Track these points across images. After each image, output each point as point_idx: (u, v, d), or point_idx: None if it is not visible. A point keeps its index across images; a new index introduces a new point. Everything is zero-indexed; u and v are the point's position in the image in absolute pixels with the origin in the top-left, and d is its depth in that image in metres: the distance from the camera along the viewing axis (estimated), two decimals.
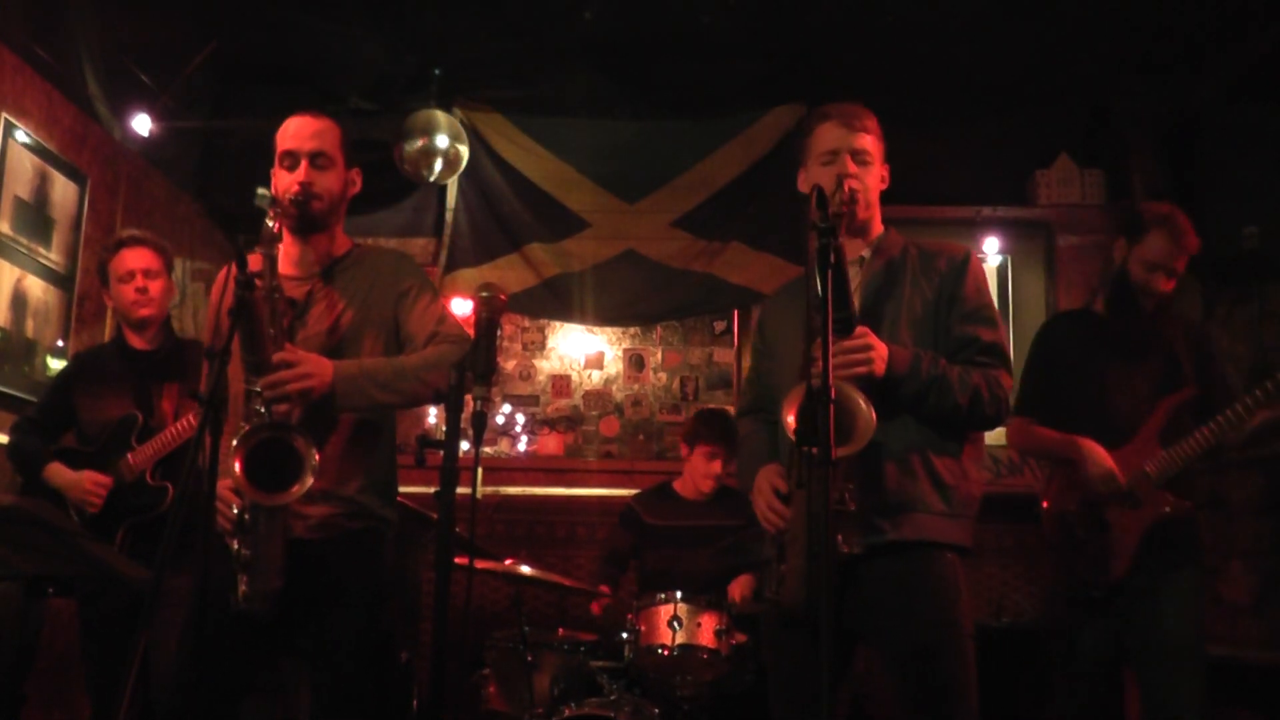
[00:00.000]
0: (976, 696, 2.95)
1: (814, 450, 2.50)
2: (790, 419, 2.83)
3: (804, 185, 3.27)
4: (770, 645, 3.24)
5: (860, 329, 2.91)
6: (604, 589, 5.36)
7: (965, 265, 3.19)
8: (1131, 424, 4.08)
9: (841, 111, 3.22)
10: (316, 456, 3.03)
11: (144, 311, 4.43)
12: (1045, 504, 4.28)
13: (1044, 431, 4.24)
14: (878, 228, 3.28)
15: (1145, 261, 4.17)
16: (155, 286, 4.45)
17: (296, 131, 3.37)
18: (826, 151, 3.20)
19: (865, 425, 2.79)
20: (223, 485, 3.04)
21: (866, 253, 3.23)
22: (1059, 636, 4.20)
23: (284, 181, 3.33)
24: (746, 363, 6.93)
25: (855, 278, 3.19)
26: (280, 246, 3.17)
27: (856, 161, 3.17)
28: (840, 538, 2.84)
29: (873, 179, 3.22)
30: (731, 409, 7.08)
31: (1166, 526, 4.01)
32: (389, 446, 3.48)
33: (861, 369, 2.87)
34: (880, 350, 2.91)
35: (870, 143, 3.20)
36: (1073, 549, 4.11)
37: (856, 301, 3.12)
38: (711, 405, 7.22)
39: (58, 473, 4.31)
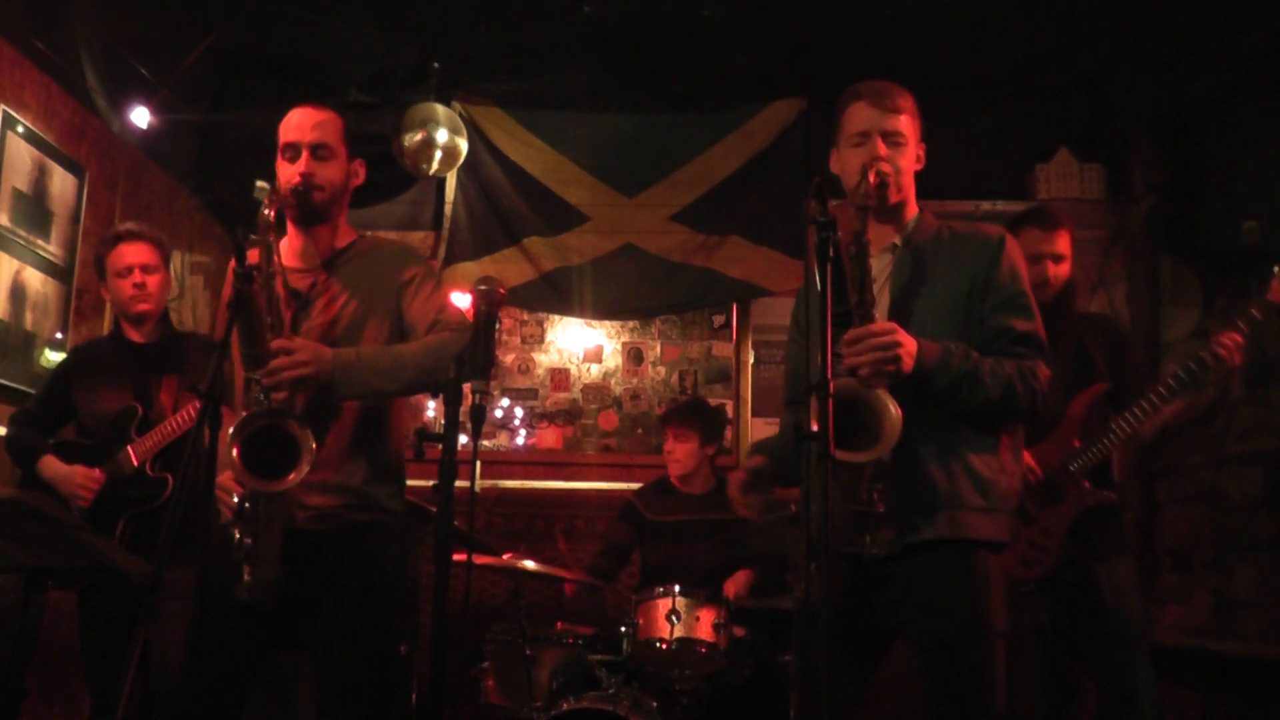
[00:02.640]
0: (1003, 692, 2.92)
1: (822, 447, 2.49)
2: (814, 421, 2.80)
3: (835, 165, 3.22)
4: (797, 642, 3.20)
5: (889, 324, 2.87)
6: (568, 581, 5.35)
7: (1000, 251, 3.12)
8: (1047, 418, 4.07)
9: (873, 90, 3.14)
10: (314, 443, 3.04)
11: (142, 307, 4.43)
12: None
13: None
14: (912, 210, 3.21)
15: (1025, 255, 4.18)
16: (153, 281, 4.44)
17: (298, 123, 3.38)
18: (857, 133, 3.12)
19: (891, 429, 2.75)
20: (224, 476, 3.05)
21: (898, 240, 3.16)
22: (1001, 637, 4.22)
23: (286, 173, 3.34)
24: (745, 357, 6.95)
25: (887, 266, 3.14)
26: (276, 235, 3.17)
27: (888, 143, 3.09)
28: (868, 538, 2.81)
29: (906, 160, 3.14)
30: (729, 403, 7.08)
31: (1092, 517, 4.04)
32: (394, 437, 3.48)
33: (890, 367, 2.82)
34: (909, 346, 2.85)
35: (904, 123, 3.13)
36: None
37: (887, 292, 3.09)
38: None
39: (49, 466, 4.32)
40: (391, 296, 3.40)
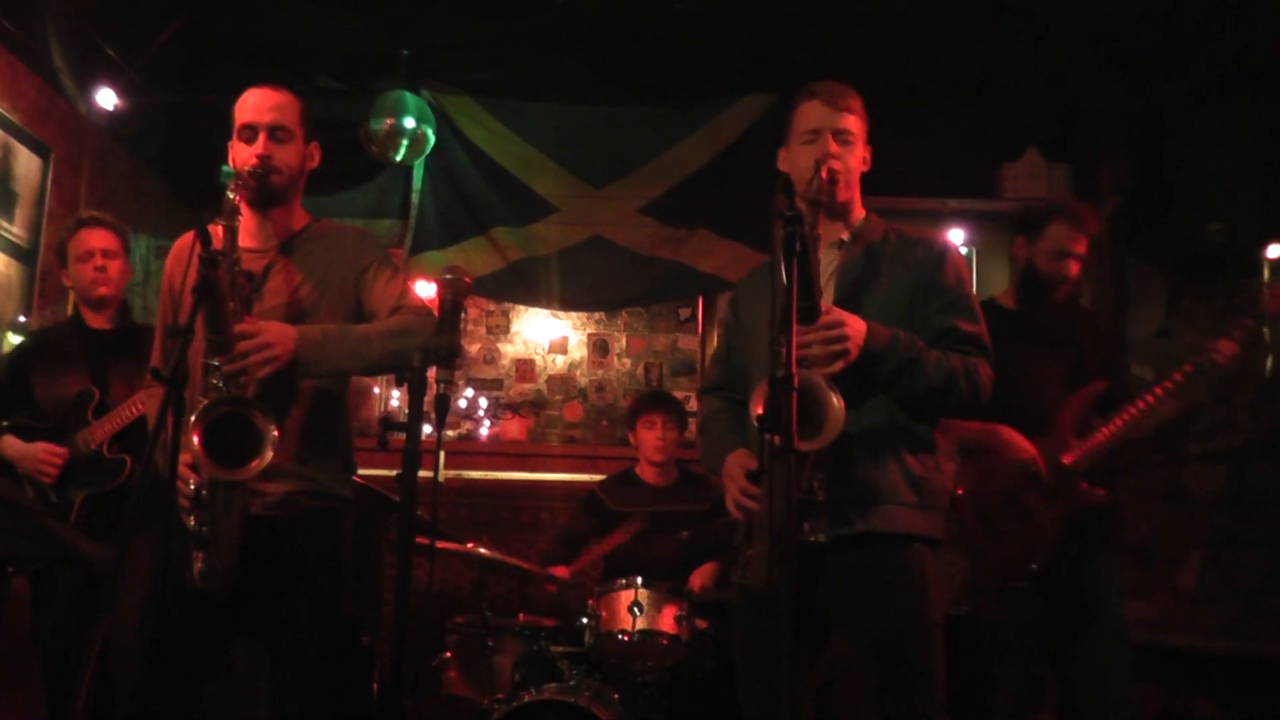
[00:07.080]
0: (943, 685, 2.97)
1: (775, 439, 2.51)
2: (758, 409, 2.83)
3: (784, 163, 3.24)
4: (739, 629, 3.22)
5: (836, 314, 2.89)
6: (558, 572, 5.31)
7: (945, 254, 3.17)
8: (1046, 415, 4.10)
9: (826, 90, 3.17)
10: (276, 432, 3.00)
11: (102, 291, 4.42)
12: (960, 492, 4.22)
13: (962, 422, 4.23)
14: (859, 210, 3.25)
15: (1050, 251, 4.21)
16: (113, 266, 4.45)
17: (256, 104, 3.34)
18: (808, 130, 3.15)
19: (834, 420, 2.79)
20: (180, 461, 3.00)
21: (846, 236, 3.20)
22: (982, 628, 4.22)
23: (242, 154, 3.29)
24: (711, 350, 6.93)
25: (833, 261, 3.17)
26: (240, 220, 3.14)
27: (839, 141, 3.12)
28: (806, 526, 2.86)
29: (855, 160, 3.18)
30: (694, 396, 7.08)
31: (1086, 515, 4.04)
32: (346, 423, 3.45)
33: (839, 360, 2.86)
34: (856, 327, 2.89)
35: (854, 123, 3.16)
36: (992, 539, 4.12)
37: (834, 286, 3.11)
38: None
39: (10, 444, 4.30)
40: (349, 282, 3.36)
